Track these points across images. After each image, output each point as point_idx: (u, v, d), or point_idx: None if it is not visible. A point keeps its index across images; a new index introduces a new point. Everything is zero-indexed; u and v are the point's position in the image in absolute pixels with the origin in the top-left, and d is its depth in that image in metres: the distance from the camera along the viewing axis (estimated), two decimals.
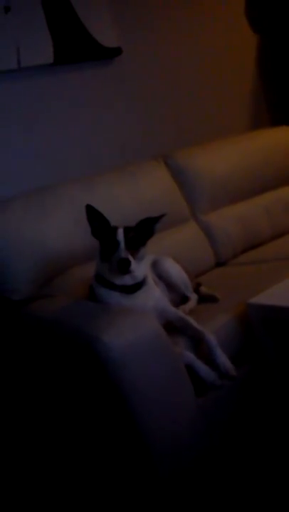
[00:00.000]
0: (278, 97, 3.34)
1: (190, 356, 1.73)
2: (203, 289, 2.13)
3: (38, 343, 1.95)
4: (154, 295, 1.87)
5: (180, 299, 2.05)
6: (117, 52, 2.66)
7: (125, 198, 2.34)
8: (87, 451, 1.92)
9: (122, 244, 1.75)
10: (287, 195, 2.84)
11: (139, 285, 1.83)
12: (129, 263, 1.72)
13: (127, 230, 1.78)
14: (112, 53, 2.65)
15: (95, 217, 1.82)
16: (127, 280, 1.81)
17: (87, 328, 1.69)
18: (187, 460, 1.71)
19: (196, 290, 2.11)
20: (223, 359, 1.74)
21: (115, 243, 1.75)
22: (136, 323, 1.68)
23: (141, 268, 1.82)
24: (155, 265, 2.03)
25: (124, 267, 1.72)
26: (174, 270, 2.06)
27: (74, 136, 2.59)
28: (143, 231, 1.82)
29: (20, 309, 2.04)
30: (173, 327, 1.82)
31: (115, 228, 1.79)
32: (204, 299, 2.07)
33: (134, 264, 1.74)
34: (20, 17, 2.34)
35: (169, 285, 2.03)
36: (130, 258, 1.73)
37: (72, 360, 1.78)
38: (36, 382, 2.03)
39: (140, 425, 1.63)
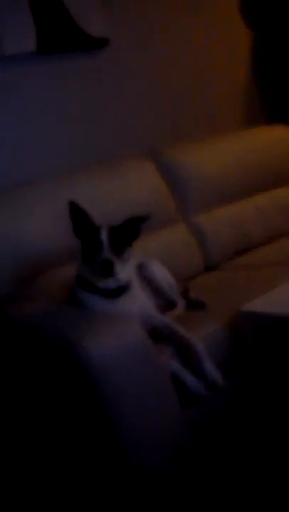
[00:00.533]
0: (272, 94, 3.36)
1: (176, 365, 1.69)
2: (191, 294, 2.08)
3: (17, 347, 1.91)
4: (139, 300, 1.82)
5: (167, 305, 2.01)
6: (104, 42, 2.63)
7: (110, 195, 2.30)
8: (72, 456, 1.89)
9: (106, 245, 1.69)
10: (281, 196, 2.83)
11: (122, 289, 1.78)
12: (112, 265, 1.66)
13: (111, 229, 1.72)
14: (98, 43, 2.61)
15: (78, 215, 1.75)
16: (110, 284, 1.75)
17: (67, 334, 1.64)
18: (170, 473, 1.67)
19: (184, 295, 2.07)
20: (210, 368, 1.70)
21: (98, 243, 1.69)
22: (119, 329, 1.64)
23: (125, 271, 1.76)
24: (141, 268, 1.98)
25: (108, 270, 1.66)
26: (161, 274, 2.02)
27: (57, 129, 2.55)
28: (128, 231, 1.76)
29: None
30: (159, 334, 1.77)
31: (98, 227, 1.73)
32: (192, 305, 2.04)
33: (118, 267, 1.69)
34: (3, 2, 2.31)
35: (155, 289, 1.99)
36: (114, 260, 1.67)
37: (52, 366, 1.74)
38: (16, 387, 1.99)
39: (121, 435, 1.60)
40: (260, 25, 3.27)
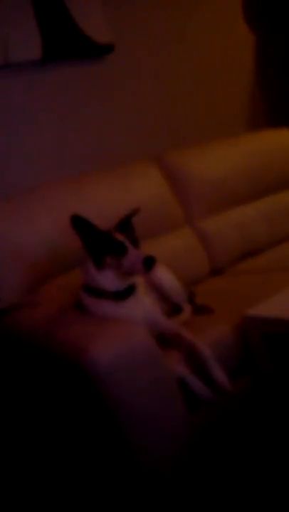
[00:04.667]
0: (276, 97, 3.37)
1: (183, 371, 1.70)
2: (197, 299, 2.09)
3: (23, 353, 1.92)
4: (145, 304, 1.83)
5: (173, 309, 2.01)
6: (109, 49, 2.65)
7: (115, 201, 2.27)
8: (79, 461, 1.89)
9: (130, 246, 1.73)
10: (285, 199, 2.83)
11: (130, 289, 1.80)
12: (154, 259, 1.70)
13: (123, 232, 1.76)
14: (103, 50, 2.63)
15: (83, 226, 1.76)
16: (120, 285, 1.77)
17: (73, 339, 1.66)
18: (177, 478, 1.67)
19: (190, 300, 2.08)
20: (218, 373, 1.71)
21: (122, 247, 1.72)
22: (125, 334, 1.64)
23: None
24: None
25: (152, 263, 1.70)
26: (167, 278, 2.02)
27: (62, 135, 2.57)
28: (126, 229, 1.81)
29: (4, 318, 2.00)
30: (166, 339, 1.78)
31: (112, 233, 1.76)
32: (199, 310, 2.04)
33: None
34: (8, 11, 2.32)
35: (162, 294, 1.99)
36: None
37: (58, 371, 1.75)
38: (23, 392, 2.01)
39: (127, 440, 1.61)
40: (263, 29, 3.28)
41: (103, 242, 1.74)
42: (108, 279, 1.76)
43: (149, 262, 1.68)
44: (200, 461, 1.72)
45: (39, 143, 2.48)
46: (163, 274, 2.00)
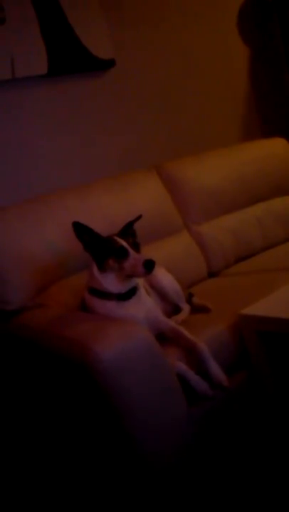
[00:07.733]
0: (269, 108, 3.40)
1: (182, 366, 1.74)
2: (195, 299, 2.13)
3: (30, 353, 1.95)
4: (146, 304, 1.88)
5: (173, 309, 2.05)
6: (110, 63, 2.69)
7: (118, 207, 2.32)
8: (82, 457, 1.92)
9: (131, 250, 1.78)
10: (279, 206, 2.86)
11: (133, 290, 1.85)
12: (154, 262, 1.74)
13: (124, 237, 1.82)
14: (106, 65, 2.68)
15: (84, 232, 1.83)
16: (123, 288, 1.82)
17: (78, 338, 1.69)
18: (178, 470, 1.71)
19: (189, 300, 2.12)
20: (215, 369, 1.75)
21: (123, 251, 1.77)
22: (128, 333, 1.68)
23: None
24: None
25: (152, 266, 1.75)
26: (167, 280, 2.06)
27: (67, 147, 2.60)
28: (128, 234, 1.86)
29: (12, 319, 2.04)
30: (165, 337, 1.83)
31: (113, 238, 1.81)
32: (196, 310, 2.07)
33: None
34: (15, 28, 2.37)
35: (162, 295, 2.04)
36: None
37: (63, 370, 1.78)
38: (28, 392, 2.04)
39: (131, 434, 1.64)
40: (256, 43, 3.32)
41: (105, 246, 1.80)
42: (111, 282, 1.81)
43: (149, 265, 1.73)
44: (199, 453, 1.74)
45: (44, 153, 2.51)
46: (163, 277, 2.04)
